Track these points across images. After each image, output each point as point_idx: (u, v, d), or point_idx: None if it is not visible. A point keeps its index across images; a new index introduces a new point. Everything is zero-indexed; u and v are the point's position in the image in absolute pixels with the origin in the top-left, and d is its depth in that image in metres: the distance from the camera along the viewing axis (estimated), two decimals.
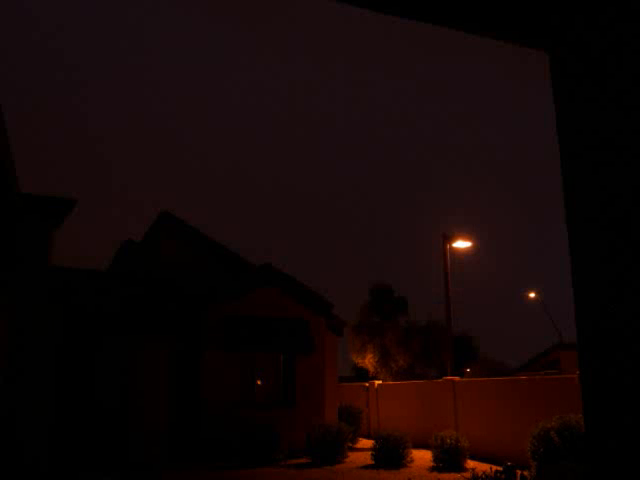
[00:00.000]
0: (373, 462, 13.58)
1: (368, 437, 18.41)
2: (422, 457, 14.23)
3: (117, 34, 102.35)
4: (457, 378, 16.80)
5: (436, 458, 13.13)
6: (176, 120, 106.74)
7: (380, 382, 21.19)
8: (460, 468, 12.77)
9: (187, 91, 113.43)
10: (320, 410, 16.26)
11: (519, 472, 9.08)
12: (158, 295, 16.38)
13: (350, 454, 14.79)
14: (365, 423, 19.52)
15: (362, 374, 27.19)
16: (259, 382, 16.25)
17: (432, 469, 12.98)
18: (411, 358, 25.79)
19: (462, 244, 20.85)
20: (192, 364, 15.57)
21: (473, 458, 13.53)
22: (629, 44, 1.63)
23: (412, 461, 13.60)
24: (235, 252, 18.88)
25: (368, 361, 26.11)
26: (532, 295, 35.62)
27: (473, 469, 10.50)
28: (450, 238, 20.47)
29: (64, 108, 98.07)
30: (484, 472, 9.16)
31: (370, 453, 13.88)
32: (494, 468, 9.47)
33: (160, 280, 17.69)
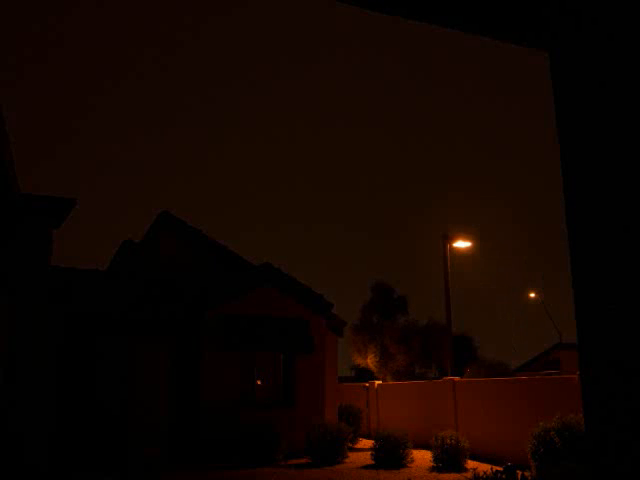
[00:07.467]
0: (373, 462, 13.57)
1: (368, 437, 18.40)
2: (422, 457, 14.22)
3: (118, 37, 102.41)
4: (457, 378, 16.79)
5: (436, 458, 13.12)
6: (176, 119, 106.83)
7: (380, 382, 21.19)
8: (460, 468, 12.76)
9: (184, 91, 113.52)
10: (320, 410, 16.24)
11: (519, 472, 9.09)
12: (158, 295, 16.38)
13: (350, 454, 14.78)
14: (365, 423, 19.51)
15: (362, 374, 27.17)
16: (259, 382, 16.24)
17: (432, 469, 12.98)
18: (411, 358, 25.77)
19: (462, 244, 20.84)
20: (192, 364, 15.56)
21: (473, 458, 13.52)
22: (630, 43, 1.63)
23: (412, 461, 13.60)
24: (235, 252, 18.88)
25: (370, 361, 26.09)
26: (532, 295, 35.61)
27: (473, 469, 10.50)
28: (450, 238, 20.45)
29: (64, 107, 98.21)
30: (484, 472, 9.17)
31: (370, 453, 13.88)
32: (494, 468, 9.48)
33: (160, 280, 17.70)
